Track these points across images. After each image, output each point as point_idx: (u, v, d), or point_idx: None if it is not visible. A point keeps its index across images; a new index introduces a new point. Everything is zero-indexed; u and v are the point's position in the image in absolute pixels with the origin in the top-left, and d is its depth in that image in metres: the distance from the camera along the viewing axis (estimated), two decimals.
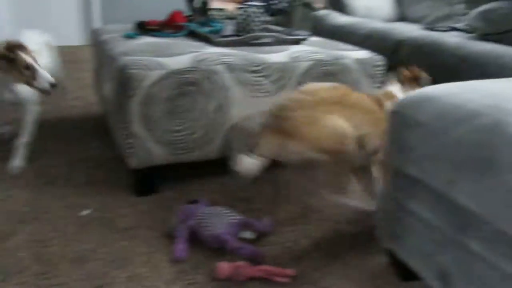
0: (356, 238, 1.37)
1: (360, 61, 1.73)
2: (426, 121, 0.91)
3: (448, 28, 2.41)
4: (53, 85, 1.52)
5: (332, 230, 1.41)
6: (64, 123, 2.25)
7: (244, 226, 1.32)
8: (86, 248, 1.27)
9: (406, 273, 1.14)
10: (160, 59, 1.46)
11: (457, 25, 2.37)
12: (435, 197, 0.91)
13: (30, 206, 1.47)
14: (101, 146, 1.99)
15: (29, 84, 1.52)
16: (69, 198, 1.53)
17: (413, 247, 1.00)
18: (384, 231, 1.12)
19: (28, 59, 1.51)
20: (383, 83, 1.69)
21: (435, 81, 1.89)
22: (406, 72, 1.63)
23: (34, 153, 1.84)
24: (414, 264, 1.02)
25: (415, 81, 1.60)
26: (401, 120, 0.99)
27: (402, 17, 3.16)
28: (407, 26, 2.58)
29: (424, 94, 0.98)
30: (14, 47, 1.50)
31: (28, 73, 1.50)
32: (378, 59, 1.77)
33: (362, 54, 1.77)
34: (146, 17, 2.36)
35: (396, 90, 1.55)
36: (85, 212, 1.44)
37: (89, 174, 1.72)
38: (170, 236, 1.32)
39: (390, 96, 1.50)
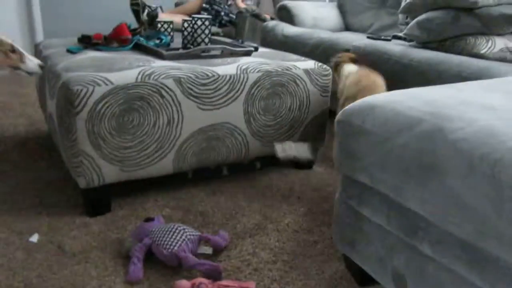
0: (314, 246, 1.39)
1: (308, 71, 1.77)
2: (371, 129, 0.94)
3: (391, 37, 2.53)
4: (41, 67, 1.51)
5: (291, 240, 1.42)
6: (8, 142, 2.14)
7: (202, 241, 1.30)
8: (35, 276, 1.20)
9: (363, 278, 1.18)
10: (106, 74, 1.42)
11: (400, 34, 2.48)
12: (385, 203, 0.94)
13: None
14: (49, 166, 1.90)
15: (17, 67, 1.47)
16: (15, 223, 1.45)
17: (368, 251, 1.03)
18: (340, 237, 1.14)
19: (11, 42, 1.44)
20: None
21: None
22: (347, 55, 1.98)
23: None
24: (370, 268, 1.04)
25: (354, 62, 1.94)
26: (347, 129, 1.02)
27: (347, 27, 3.27)
28: (352, 36, 2.68)
29: (368, 103, 1.01)
30: None
31: (15, 57, 1.46)
32: (325, 69, 1.82)
33: (310, 64, 1.81)
34: (89, 30, 2.30)
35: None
36: (34, 238, 1.37)
37: (37, 196, 1.64)
38: (125, 257, 1.28)
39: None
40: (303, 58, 1.89)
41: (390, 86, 2.14)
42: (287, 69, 1.72)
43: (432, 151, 0.80)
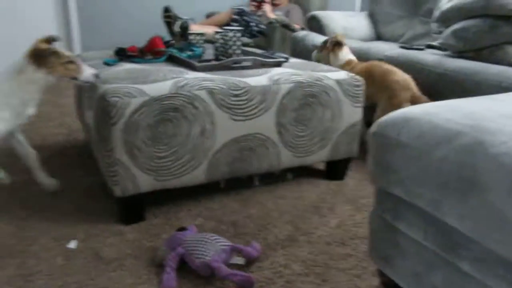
0: (347, 260, 1.37)
1: (339, 82, 1.76)
2: (407, 142, 0.93)
3: (424, 46, 2.49)
4: (96, 76, 1.56)
5: (323, 252, 1.41)
6: (48, 150, 2.22)
7: (234, 252, 1.31)
8: (73, 281, 1.24)
9: None
10: (141, 86, 1.46)
11: (434, 43, 2.44)
12: (423, 218, 0.93)
13: (16, 239, 1.44)
14: (86, 174, 1.96)
15: (74, 78, 1.53)
16: (55, 230, 1.50)
17: (404, 267, 1.01)
18: (374, 251, 1.13)
19: (70, 54, 1.50)
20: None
21: None
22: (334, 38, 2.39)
23: (19, 183, 1.81)
24: (406, 284, 1.02)
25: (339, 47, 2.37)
26: (382, 141, 1.01)
27: (378, 37, 3.24)
28: (384, 45, 2.65)
29: (403, 115, 1.00)
30: (52, 39, 1.48)
31: (73, 67, 1.51)
32: (357, 79, 1.81)
33: (341, 74, 1.80)
34: (125, 43, 2.37)
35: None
36: (72, 244, 1.41)
37: (75, 203, 1.69)
38: (158, 265, 1.30)
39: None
40: (334, 68, 1.88)
41: (428, 96, 2.11)
42: (318, 80, 1.72)
43: (472, 165, 0.78)
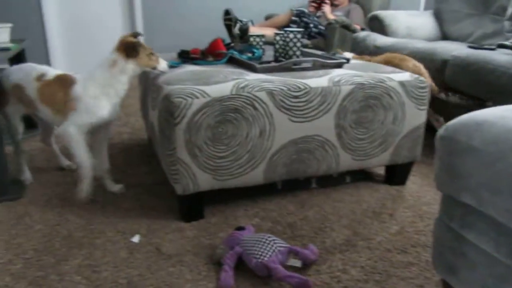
0: (409, 268, 1.32)
1: (403, 83, 1.70)
2: (479, 147, 0.88)
3: (496, 46, 2.34)
4: (171, 66, 1.75)
5: (383, 259, 1.37)
6: (114, 149, 2.34)
7: (291, 253, 1.31)
8: (136, 274, 1.29)
9: None
10: (203, 87, 1.49)
11: (506, 43, 2.29)
12: (494, 227, 0.87)
13: (84, 231, 1.53)
14: (149, 171, 2.04)
15: (154, 67, 1.69)
16: (120, 224, 1.57)
17: (471, 279, 0.95)
18: (439, 261, 1.07)
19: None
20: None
21: (481, 100, 1.85)
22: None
23: None
24: None
25: None
26: (451, 146, 0.96)
27: (444, 36, 3.10)
28: (451, 45, 2.53)
29: (474, 118, 0.95)
30: (137, 35, 1.65)
31: (154, 58, 1.68)
32: (422, 81, 1.74)
33: (405, 76, 1.74)
34: (185, 45, 2.44)
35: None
36: (135, 238, 1.48)
37: (138, 199, 1.77)
38: (216, 263, 1.33)
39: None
40: (397, 70, 1.82)
41: (496, 99, 1.98)
42: (380, 81, 1.67)
43: None
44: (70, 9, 4.39)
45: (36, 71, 1.69)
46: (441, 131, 1.01)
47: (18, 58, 2.36)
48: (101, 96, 1.61)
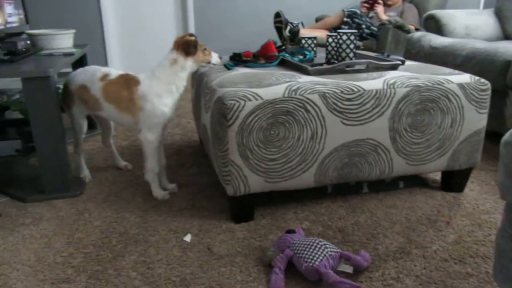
0: (467, 280, 1.26)
1: (462, 86, 1.63)
2: None
3: None
4: (220, 58, 1.89)
5: (439, 269, 1.31)
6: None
7: (342, 259, 1.29)
8: (188, 272, 1.32)
9: None
10: (256, 90, 1.50)
11: None
12: None
13: (139, 229, 1.58)
14: (200, 172, 2.09)
15: (208, 62, 1.84)
16: (173, 222, 1.62)
17: None
18: (501, 274, 1.01)
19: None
20: None
21: None
22: None
23: (143, 179, 2.00)
24: None
25: None
26: None
27: (506, 36, 2.94)
28: None
29: None
30: (191, 35, 1.75)
31: (207, 53, 1.82)
32: (483, 83, 1.65)
33: (465, 78, 1.66)
34: (235, 48, 2.47)
35: None
36: (187, 238, 1.51)
37: (190, 199, 1.81)
38: (267, 265, 1.33)
39: None
40: (456, 71, 1.75)
41: None
42: (438, 84, 1.61)
43: None
44: (127, 15, 4.57)
45: (101, 72, 1.80)
46: (506, 136, 0.96)
47: (80, 62, 2.48)
48: (165, 93, 1.72)
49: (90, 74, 1.81)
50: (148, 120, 1.72)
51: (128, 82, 1.74)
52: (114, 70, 1.81)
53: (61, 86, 1.89)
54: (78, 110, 1.90)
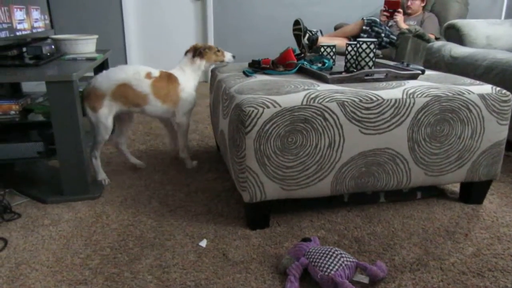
0: None
1: (483, 97, 1.61)
2: None
3: None
4: (234, 57, 2.27)
5: (457, 282, 1.29)
6: None
7: (358, 269, 1.28)
8: (203, 278, 1.33)
9: None
10: (274, 97, 1.51)
11: None
12: None
13: (155, 232, 1.60)
14: (216, 177, 2.10)
15: (222, 61, 2.23)
16: (189, 227, 1.63)
17: None
18: None
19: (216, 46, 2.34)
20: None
21: None
22: None
23: (160, 183, 2.02)
24: None
25: None
26: None
27: None
28: None
29: None
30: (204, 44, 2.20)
31: (220, 53, 2.21)
32: (504, 94, 1.63)
33: (486, 88, 1.64)
34: (253, 55, 2.49)
35: None
36: (203, 243, 1.52)
37: (206, 204, 1.82)
38: (281, 273, 1.33)
39: None
40: (477, 82, 1.73)
41: None
42: (459, 94, 1.59)
43: None
44: (148, 22, 4.65)
45: (144, 70, 2.01)
46: None
47: (101, 67, 2.53)
48: (192, 85, 2.13)
49: (132, 72, 1.98)
50: (184, 106, 2.08)
51: (170, 78, 2.06)
52: (149, 68, 2.04)
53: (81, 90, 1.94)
54: (107, 111, 1.95)
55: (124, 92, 1.95)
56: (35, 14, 2.42)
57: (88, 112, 1.95)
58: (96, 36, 2.49)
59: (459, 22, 2.96)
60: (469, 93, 1.60)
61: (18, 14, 2.17)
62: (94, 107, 1.94)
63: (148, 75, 2.00)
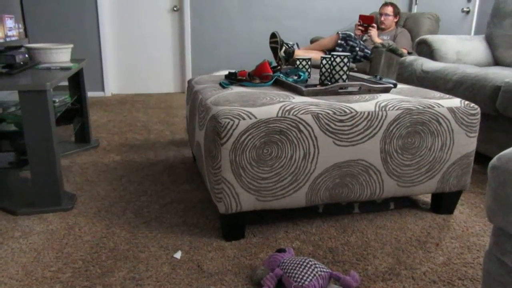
0: None
1: (453, 110, 1.66)
2: None
3: None
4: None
5: None
6: (160, 165, 2.41)
7: (331, 279, 1.29)
8: None
9: None
10: (250, 109, 1.52)
11: None
12: None
13: (129, 245, 1.58)
14: (192, 189, 2.09)
15: None
16: (163, 239, 1.61)
17: None
18: None
19: None
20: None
21: None
22: None
23: (135, 195, 2.00)
24: None
25: None
26: (505, 176, 0.93)
27: (496, 62, 3.01)
28: (503, 71, 2.45)
29: None
30: None
31: None
32: (473, 107, 1.69)
33: (455, 102, 1.70)
34: (232, 67, 2.51)
35: None
36: (177, 255, 1.51)
37: (181, 216, 1.81)
38: (256, 284, 1.33)
39: None
40: (447, 95, 1.79)
41: None
42: (429, 107, 1.64)
43: None
44: (124, 32, 4.62)
45: None
46: (493, 160, 0.98)
47: (76, 76, 2.50)
48: None
49: None
50: None
51: None
52: None
53: (57, 100, 1.91)
54: None
55: None
56: (9, 22, 2.38)
57: None
58: (71, 45, 2.47)
59: (430, 37, 3.05)
60: (438, 107, 1.65)
61: None
62: None
63: None
